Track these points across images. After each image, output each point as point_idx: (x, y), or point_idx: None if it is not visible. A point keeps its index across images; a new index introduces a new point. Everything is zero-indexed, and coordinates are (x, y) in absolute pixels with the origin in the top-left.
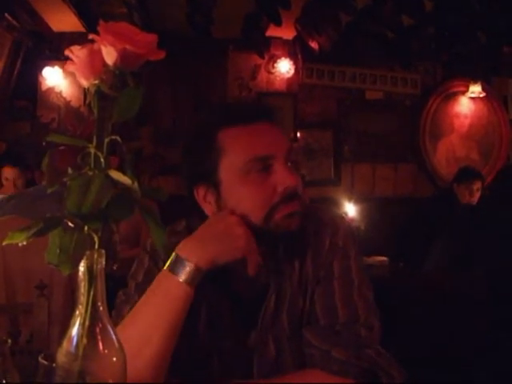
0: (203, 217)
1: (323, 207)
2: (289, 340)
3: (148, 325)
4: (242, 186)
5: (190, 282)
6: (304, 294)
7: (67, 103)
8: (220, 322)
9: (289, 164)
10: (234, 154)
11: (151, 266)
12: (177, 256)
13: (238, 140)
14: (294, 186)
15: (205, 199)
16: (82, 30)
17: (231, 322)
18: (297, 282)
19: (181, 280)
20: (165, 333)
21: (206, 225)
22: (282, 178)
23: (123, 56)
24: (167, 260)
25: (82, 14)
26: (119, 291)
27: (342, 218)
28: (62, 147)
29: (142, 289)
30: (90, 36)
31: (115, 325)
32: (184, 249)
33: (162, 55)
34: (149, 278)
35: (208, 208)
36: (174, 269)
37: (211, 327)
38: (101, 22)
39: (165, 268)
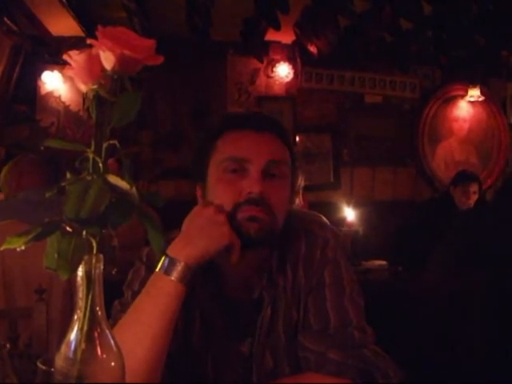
0: None
1: (314, 218)
2: (285, 350)
3: (141, 324)
4: (217, 182)
5: (181, 279)
6: (298, 304)
7: (66, 107)
8: (214, 330)
9: (268, 174)
10: (218, 152)
11: (147, 275)
12: (167, 257)
13: (225, 140)
14: (258, 193)
15: (202, 197)
16: (82, 34)
17: (225, 330)
18: (290, 292)
19: (172, 278)
20: (157, 332)
21: (189, 222)
22: (250, 183)
23: (121, 61)
24: None
25: (81, 19)
26: (115, 301)
27: (332, 229)
28: (31, 156)
29: None
30: (88, 41)
31: None
32: (173, 249)
33: (160, 60)
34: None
35: None
36: (165, 269)
37: (205, 335)
38: (99, 26)
39: (156, 270)
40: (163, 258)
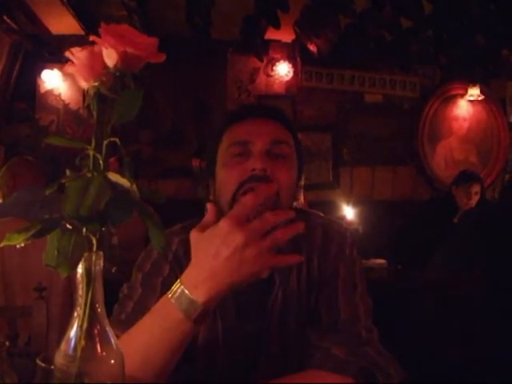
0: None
1: (331, 218)
2: (295, 340)
3: (149, 346)
4: (224, 166)
5: (197, 320)
6: (310, 294)
7: (66, 106)
8: (223, 312)
9: (271, 153)
10: (224, 140)
11: (160, 258)
12: (183, 291)
13: (231, 130)
14: (260, 169)
15: (212, 195)
16: (81, 32)
17: (234, 312)
18: (305, 281)
19: (187, 318)
20: (166, 356)
21: (211, 250)
22: (253, 161)
23: (124, 58)
24: (176, 251)
25: (80, 17)
26: (123, 285)
27: (349, 229)
28: (26, 157)
29: (147, 282)
30: (91, 38)
31: (117, 320)
32: (190, 281)
33: (162, 58)
34: (156, 270)
35: None
36: (179, 304)
37: (214, 317)
38: (102, 24)
39: (169, 297)
40: (178, 287)
